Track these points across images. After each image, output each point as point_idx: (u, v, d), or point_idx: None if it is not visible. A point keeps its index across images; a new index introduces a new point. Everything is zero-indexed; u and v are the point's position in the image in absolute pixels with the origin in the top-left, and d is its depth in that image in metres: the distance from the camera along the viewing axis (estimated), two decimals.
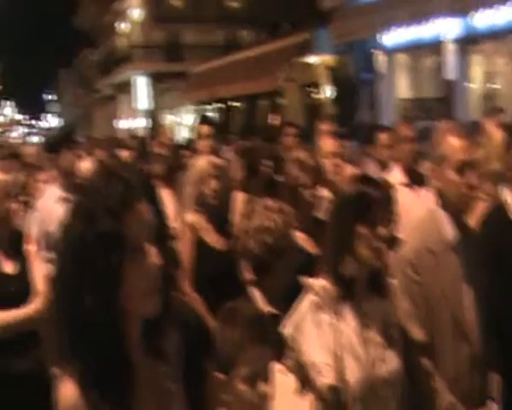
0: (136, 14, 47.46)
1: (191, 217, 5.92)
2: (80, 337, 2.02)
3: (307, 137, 11.77)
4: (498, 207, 4.26)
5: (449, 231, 3.67)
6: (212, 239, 5.83)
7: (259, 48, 30.65)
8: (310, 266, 4.10)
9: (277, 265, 3.79)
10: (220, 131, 28.69)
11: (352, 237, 3.23)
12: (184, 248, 5.80)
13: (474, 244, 3.74)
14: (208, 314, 5.42)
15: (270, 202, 3.99)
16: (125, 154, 10.25)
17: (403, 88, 21.02)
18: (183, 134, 43.25)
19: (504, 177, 4.43)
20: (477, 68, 18.63)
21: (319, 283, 3.30)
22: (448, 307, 3.60)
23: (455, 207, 3.64)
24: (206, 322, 5.36)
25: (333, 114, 22.34)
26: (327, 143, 6.40)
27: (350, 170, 7.34)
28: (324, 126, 8.33)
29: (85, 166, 8.09)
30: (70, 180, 7.38)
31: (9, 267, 5.17)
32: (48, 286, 5.14)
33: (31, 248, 5.38)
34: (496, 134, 5.60)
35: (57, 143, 7.94)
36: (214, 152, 8.20)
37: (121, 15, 51.68)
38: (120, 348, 2.06)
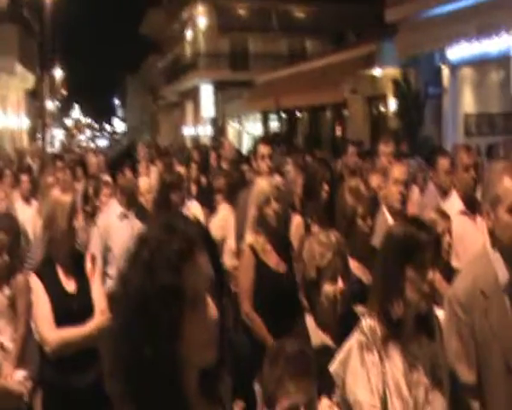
0: (202, 22, 47.85)
1: (252, 238, 5.99)
2: (139, 384, 2.07)
3: (370, 153, 11.79)
4: None
5: (501, 272, 3.62)
6: (273, 261, 5.88)
7: (324, 59, 30.66)
8: (365, 294, 4.14)
9: (313, 295, 3.85)
10: (284, 140, 28.89)
11: (400, 279, 3.24)
12: (244, 269, 5.91)
13: None
14: (267, 335, 5.52)
15: (317, 232, 4.05)
16: (181, 169, 10.33)
17: (469, 103, 20.76)
18: (246, 142, 43.55)
19: None
20: None
21: (367, 322, 3.32)
22: (499, 350, 3.54)
23: (508, 248, 3.61)
24: (265, 343, 5.43)
25: (397, 127, 22.23)
26: (393, 170, 6.37)
27: (414, 197, 7.32)
28: (386, 148, 8.32)
29: (144, 182, 8.24)
30: (129, 198, 7.55)
31: (71, 286, 5.30)
32: (108, 304, 5.28)
33: (92, 265, 5.50)
34: None
35: (118, 161, 8.14)
36: (273, 172, 8.27)
37: (187, 24, 52.20)
38: (178, 394, 2.09)
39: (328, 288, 3.85)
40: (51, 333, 5.10)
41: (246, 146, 42.16)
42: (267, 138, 9.95)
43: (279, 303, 5.54)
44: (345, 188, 5.33)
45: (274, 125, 40.32)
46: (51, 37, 49.18)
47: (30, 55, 33.25)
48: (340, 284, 3.86)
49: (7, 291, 5.40)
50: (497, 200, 3.58)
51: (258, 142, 8.50)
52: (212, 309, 2.12)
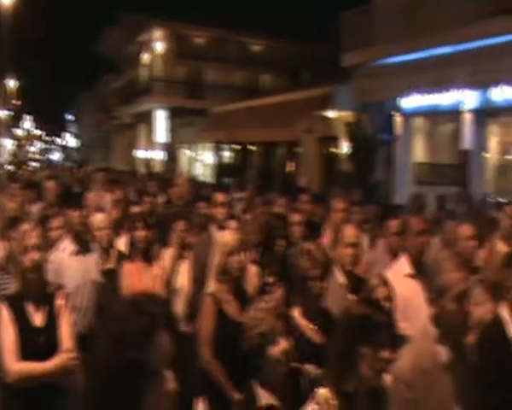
0: (160, 47, 47.95)
1: (214, 286, 6.21)
2: None
3: (322, 198, 12.07)
4: (494, 324, 4.51)
5: (442, 351, 3.92)
6: (233, 311, 6.03)
7: (280, 96, 31.02)
8: (316, 354, 4.38)
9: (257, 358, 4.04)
10: (237, 174, 29.02)
11: (356, 356, 3.48)
12: (205, 317, 6.04)
13: (468, 363, 4.00)
14: (227, 383, 5.63)
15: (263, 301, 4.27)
16: (136, 209, 10.27)
17: (419, 152, 21.17)
18: (198, 170, 43.70)
19: (502, 290, 4.68)
20: (494, 139, 18.86)
21: (322, 393, 3.53)
22: None
23: (452, 331, 3.89)
24: (224, 390, 5.61)
25: (348, 170, 22.60)
26: (344, 233, 6.65)
27: (365, 260, 7.58)
28: (338, 204, 8.59)
29: (98, 218, 8.30)
30: (80, 236, 7.74)
31: (38, 320, 5.39)
32: (73, 342, 5.41)
33: (62, 303, 5.58)
34: (500, 247, 5.86)
35: (68, 198, 8.33)
36: (230, 217, 8.52)
37: (145, 47, 52.24)
38: None
39: (271, 350, 4.03)
40: (14, 364, 5.19)
41: (197, 174, 42.34)
42: (222, 185, 10.18)
43: (237, 353, 5.70)
44: (298, 249, 5.58)
45: (226, 155, 40.56)
46: (7, 46, 48.69)
47: None
48: (283, 344, 4.05)
49: None
50: (443, 290, 3.88)
51: (213, 190, 8.71)
52: (172, 383, 2.39)
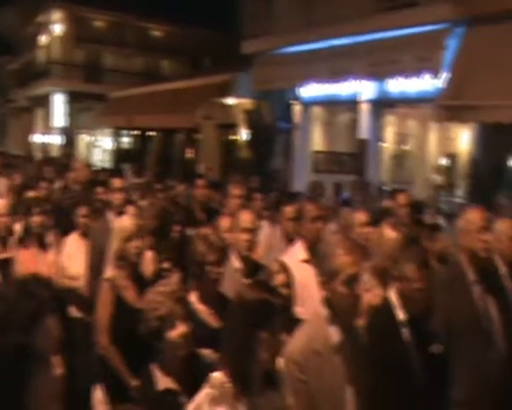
0: (58, 29, 47.01)
1: (112, 272, 6.19)
2: None
3: (221, 184, 12.15)
4: (383, 308, 4.66)
5: (334, 333, 4.03)
6: (131, 297, 6.05)
7: (180, 83, 30.89)
8: (212, 338, 4.43)
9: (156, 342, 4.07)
10: (136, 160, 28.80)
11: (251, 340, 3.52)
12: (103, 303, 6.04)
13: (359, 345, 4.13)
14: (125, 369, 5.65)
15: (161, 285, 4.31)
16: (31, 194, 10.06)
17: (317, 140, 21.41)
18: (96, 155, 43.17)
19: (390, 275, 4.85)
20: (389, 129, 19.33)
21: (217, 376, 3.57)
22: (331, 405, 3.94)
23: (343, 314, 4.01)
24: (122, 376, 5.62)
25: (247, 157, 22.72)
26: (241, 218, 6.71)
27: (264, 232, 7.67)
28: (235, 190, 8.67)
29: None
30: None
31: None
32: None
33: None
34: (389, 233, 6.03)
35: None
36: (127, 203, 8.48)
37: (42, 29, 51.05)
38: None
39: (169, 334, 4.07)
40: None
41: (96, 159, 41.82)
42: (119, 171, 10.17)
43: (136, 338, 5.68)
44: (195, 235, 5.63)
45: (125, 141, 40.19)
46: None
47: None
48: (181, 328, 4.10)
49: None
50: (334, 273, 3.99)
51: (110, 175, 8.69)
52: (58, 368, 2.38)
